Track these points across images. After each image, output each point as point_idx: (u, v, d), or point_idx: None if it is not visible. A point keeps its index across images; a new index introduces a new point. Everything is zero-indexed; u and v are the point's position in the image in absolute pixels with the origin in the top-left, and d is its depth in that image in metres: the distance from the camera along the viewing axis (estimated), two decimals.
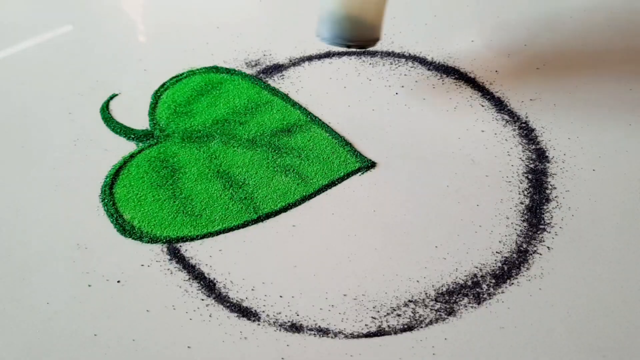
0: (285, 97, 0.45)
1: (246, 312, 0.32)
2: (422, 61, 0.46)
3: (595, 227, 0.35)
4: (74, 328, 0.31)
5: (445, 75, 0.46)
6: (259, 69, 0.47)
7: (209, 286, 0.33)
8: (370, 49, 0.42)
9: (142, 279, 0.33)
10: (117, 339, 0.30)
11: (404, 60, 0.46)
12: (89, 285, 0.33)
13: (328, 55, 0.49)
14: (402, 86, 0.44)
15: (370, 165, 0.39)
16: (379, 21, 0.39)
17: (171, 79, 0.47)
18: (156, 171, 0.39)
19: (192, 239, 0.35)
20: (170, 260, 0.34)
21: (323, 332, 0.31)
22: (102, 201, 0.38)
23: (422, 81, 0.45)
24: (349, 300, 0.32)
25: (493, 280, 0.33)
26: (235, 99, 0.45)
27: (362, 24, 0.38)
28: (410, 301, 0.32)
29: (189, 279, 0.33)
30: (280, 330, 0.31)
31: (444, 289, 0.33)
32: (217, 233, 0.36)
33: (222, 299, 0.32)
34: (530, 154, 0.40)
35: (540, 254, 0.34)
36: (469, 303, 0.32)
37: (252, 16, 0.54)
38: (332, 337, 0.31)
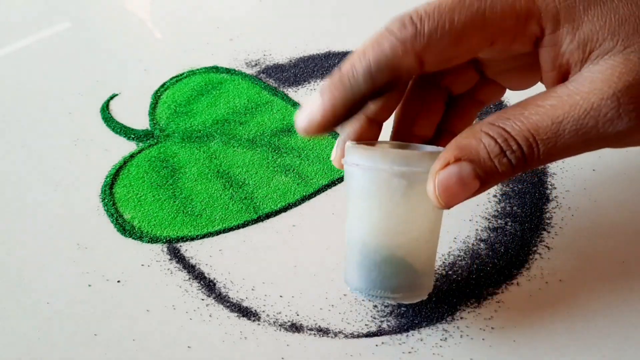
0: (285, 97, 0.45)
1: (246, 312, 0.32)
2: None
3: (595, 227, 0.35)
4: (74, 328, 0.31)
5: None
6: (259, 69, 0.47)
7: (209, 286, 0.33)
8: None
9: (142, 279, 0.33)
10: (117, 339, 0.30)
11: None
12: (89, 285, 0.33)
13: (328, 55, 0.49)
14: None
15: None
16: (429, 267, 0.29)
17: (171, 79, 0.47)
18: (156, 171, 0.39)
19: (192, 239, 0.35)
20: (170, 260, 0.34)
21: (323, 332, 0.31)
22: (102, 201, 0.38)
23: None
24: (349, 300, 0.32)
25: (493, 280, 0.33)
26: (235, 99, 0.45)
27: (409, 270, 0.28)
28: None
29: (189, 279, 0.33)
30: (280, 330, 0.31)
31: (444, 289, 0.33)
32: (217, 233, 0.36)
33: (222, 299, 0.32)
34: None
35: (540, 254, 0.34)
36: (469, 303, 0.32)
37: (252, 16, 0.54)
38: (332, 337, 0.31)
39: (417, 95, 0.29)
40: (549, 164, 0.39)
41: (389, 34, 0.23)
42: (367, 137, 0.29)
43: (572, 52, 0.23)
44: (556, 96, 0.23)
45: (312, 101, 0.25)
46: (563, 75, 0.24)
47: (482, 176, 0.23)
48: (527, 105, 0.23)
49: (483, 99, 0.30)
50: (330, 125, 0.25)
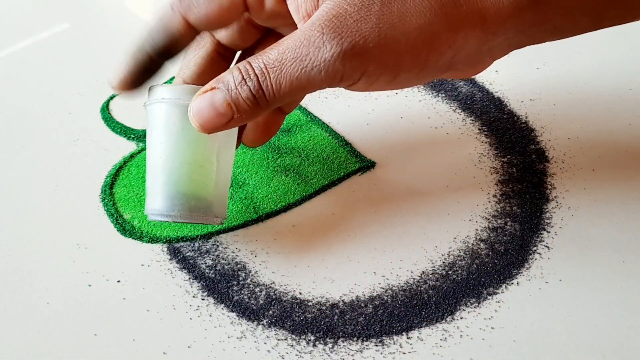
0: None
1: (246, 312, 0.32)
2: None
3: (595, 227, 0.35)
4: (74, 328, 0.31)
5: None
6: None
7: (209, 286, 0.33)
8: None
9: (142, 279, 0.33)
10: (117, 339, 0.31)
11: None
12: (89, 285, 0.33)
13: None
14: None
15: (370, 165, 0.40)
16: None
17: (171, 79, 0.47)
18: None
19: (192, 239, 0.35)
20: (170, 260, 0.34)
21: (323, 331, 0.31)
22: (102, 201, 0.38)
23: None
24: (349, 300, 0.32)
25: (493, 280, 0.33)
26: None
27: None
28: (410, 301, 0.32)
29: (189, 279, 0.33)
30: (280, 330, 0.31)
31: (444, 289, 0.33)
32: (217, 233, 0.36)
33: (222, 299, 0.32)
34: (529, 153, 0.40)
35: (540, 254, 0.34)
36: (469, 303, 0.32)
37: None
38: (332, 336, 0.31)
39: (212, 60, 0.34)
40: (548, 164, 0.39)
41: (166, 5, 0.29)
42: None
43: (306, 2, 0.27)
44: (290, 36, 0.27)
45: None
46: None
47: (231, 103, 0.27)
48: (272, 45, 0.27)
49: None
50: (128, 83, 0.30)
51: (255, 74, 0.27)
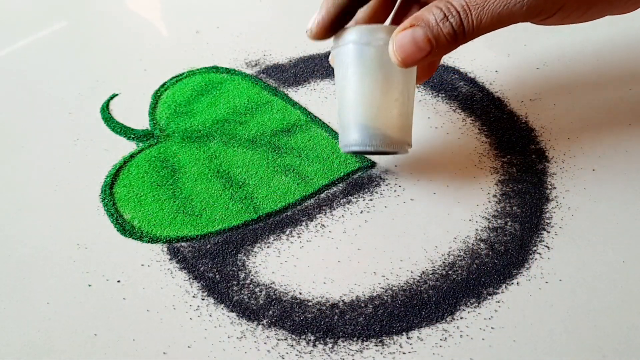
0: (285, 97, 0.45)
1: (246, 312, 0.32)
2: None
3: (595, 227, 0.35)
4: (74, 328, 0.31)
5: (445, 75, 0.46)
6: (259, 69, 0.47)
7: (209, 286, 0.33)
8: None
9: (142, 279, 0.33)
10: (117, 339, 0.31)
11: None
12: (89, 285, 0.33)
13: (328, 55, 0.49)
14: None
15: (370, 165, 0.40)
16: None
17: (171, 79, 0.47)
18: (156, 171, 0.39)
19: (192, 239, 0.35)
20: (170, 260, 0.34)
21: (323, 331, 0.31)
22: (102, 201, 0.38)
23: None
24: (349, 300, 0.32)
25: (493, 280, 0.33)
26: (235, 99, 0.45)
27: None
28: (410, 301, 0.32)
29: (189, 279, 0.33)
30: (280, 330, 0.31)
31: (444, 289, 0.33)
32: (217, 233, 0.36)
33: (222, 299, 0.32)
34: (530, 153, 0.40)
35: (540, 254, 0.34)
36: (469, 303, 0.32)
37: (252, 16, 0.54)
38: (332, 336, 0.31)
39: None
40: (548, 164, 0.39)
41: None
42: None
43: None
44: None
45: (315, 15, 0.33)
46: None
47: (431, 39, 0.30)
48: None
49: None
50: (326, 31, 0.33)
51: (457, 12, 0.30)
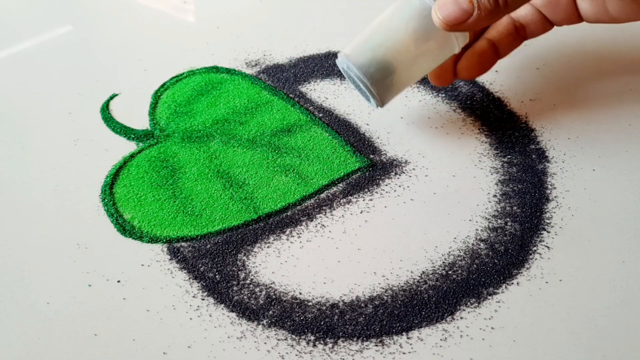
0: (285, 97, 0.45)
1: (246, 312, 0.32)
2: None
3: (595, 227, 0.35)
4: (74, 328, 0.31)
5: None
6: (259, 69, 0.47)
7: (209, 286, 0.33)
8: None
9: (142, 279, 0.33)
10: (117, 339, 0.31)
11: None
12: (89, 285, 0.33)
13: (328, 55, 0.49)
14: None
15: (370, 165, 0.40)
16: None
17: (171, 79, 0.47)
18: (156, 171, 0.39)
19: (192, 239, 0.35)
20: (170, 260, 0.34)
21: (323, 331, 0.31)
22: (102, 201, 0.38)
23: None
24: (349, 300, 0.32)
25: (493, 280, 0.33)
26: (235, 99, 0.45)
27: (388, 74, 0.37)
28: (410, 301, 0.32)
29: (189, 279, 0.33)
30: (280, 330, 0.31)
31: (444, 289, 0.33)
32: (217, 233, 0.36)
33: (222, 299, 0.32)
34: (530, 153, 0.40)
35: (540, 254, 0.34)
36: (469, 303, 0.32)
37: (252, 16, 0.54)
38: (332, 336, 0.31)
39: None
40: (548, 164, 0.39)
41: None
42: None
43: None
44: None
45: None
46: None
47: (474, 1, 0.31)
48: None
49: None
50: (466, 29, 0.33)
51: None
